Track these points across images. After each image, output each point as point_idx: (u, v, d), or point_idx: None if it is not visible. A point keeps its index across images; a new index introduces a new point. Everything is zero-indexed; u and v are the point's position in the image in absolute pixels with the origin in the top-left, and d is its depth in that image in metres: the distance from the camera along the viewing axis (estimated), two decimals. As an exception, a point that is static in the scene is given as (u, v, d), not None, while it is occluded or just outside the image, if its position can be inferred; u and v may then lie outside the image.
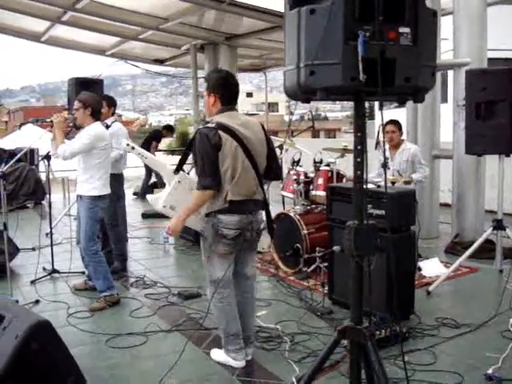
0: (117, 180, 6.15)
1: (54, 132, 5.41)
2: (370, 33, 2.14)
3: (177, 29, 11.59)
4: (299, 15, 2.26)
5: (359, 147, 2.40)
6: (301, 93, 2.34)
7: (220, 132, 3.75)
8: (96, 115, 5.41)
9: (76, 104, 5.37)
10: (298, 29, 2.27)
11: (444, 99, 9.91)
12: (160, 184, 12.51)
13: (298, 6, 2.28)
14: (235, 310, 4.04)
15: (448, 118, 8.11)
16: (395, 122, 6.77)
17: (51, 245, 6.59)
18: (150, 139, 12.83)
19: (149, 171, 12.75)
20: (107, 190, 5.46)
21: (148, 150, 11.97)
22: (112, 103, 6.63)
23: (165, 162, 4.53)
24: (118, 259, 6.53)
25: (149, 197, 4.19)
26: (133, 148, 4.27)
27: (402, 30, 2.20)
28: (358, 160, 2.40)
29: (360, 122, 2.39)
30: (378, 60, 2.13)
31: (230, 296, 4.01)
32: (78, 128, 5.54)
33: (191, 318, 5.02)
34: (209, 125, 3.80)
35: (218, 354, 4.15)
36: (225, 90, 3.93)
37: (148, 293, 5.79)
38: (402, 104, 2.60)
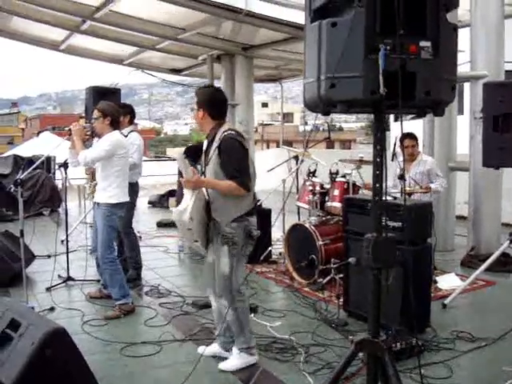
0: (131, 189, 6.18)
1: (73, 140, 5.46)
2: (390, 46, 2.15)
3: (194, 39, 11.65)
4: (320, 28, 2.28)
5: (378, 160, 2.39)
6: (321, 105, 2.35)
7: (243, 139, 4.06)
8: (115, 124, 5.45)
9: (95, 113, 5.41)
10: (318, 41, 2.28)
11: (460, 111, 9.86)
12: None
13: (319, 19, 2.29)
14: None
15: (464, 130, 8.07)
16: (412, 136, 6.76)
17: (67, 252, 6.63)
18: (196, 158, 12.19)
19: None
20: (125, 198, 5.48)
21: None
22: (130, 112, 6.65)
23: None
24: (133, 267, 6.55)
25: (174, 210, 4.14)
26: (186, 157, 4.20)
27: (422, 43, 2.21)
28: (377, 173, 2.40)
29: (379, 134, 2.39)
30: (399, 73, 2.13)
31: None
32: (96, 137, 5.59)
33: (205, 327, 5.01)
34: (231, 132, 4.04)
35: (232, 363, 4.18)
36: (212, 106, 4.15)
37: (162, 302, 5.80)
38: (421, 117, 2.61)
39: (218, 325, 4.41)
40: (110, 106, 5.49)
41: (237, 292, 4.11)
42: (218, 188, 4.01)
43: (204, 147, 4.25)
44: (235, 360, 4.18)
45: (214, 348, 4.39)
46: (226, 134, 4.03)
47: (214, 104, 4.16)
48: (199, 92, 4.28)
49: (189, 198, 3.99)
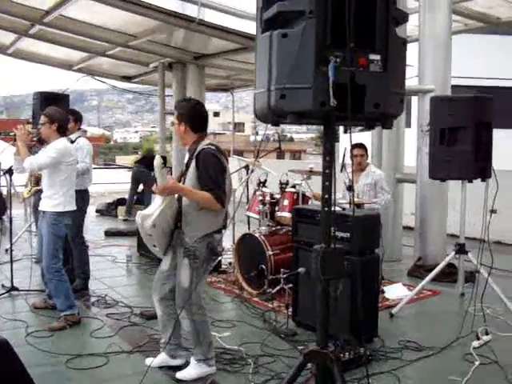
0: (81, 196, 6.07)
1: (17, 146, 5.32)
2: (340, 58, 2.17)
3: (145, 46, 11.57)
4: (271, 39, 2.28)
5: (327, 171, 2.41)
6: (271, 116, 2.35)
7: (222, 158, 4.09)
8: (62, 131, 5.34)
9: (42, 119, 5.30)
10: (269, 52, 2.28)
11: (408, 124, 10.06)
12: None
13: (270, 30, 2.30)
14: None
15: (411, 143, 8.23)
16: (362, 146, 6.86)
17: (11, 261, 6.43)
18: (151, 167, 12.47)
19: (134, 187, 12.55)
20: (72, 207, 5.37)
21: (149, 180, 12.05)
22: (78, 118, 6.57)
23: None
24: (80, 277, 6.42)
25: (139, 213, 4.05)
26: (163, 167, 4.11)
27: (372, 56, 2.24)
28: (327, 183, 2.41)
29: (329, 145, 2.40)
30: (348, 86, 2.15)
31: None
32: (42, 143, 5.47)
33: (153, 338, 4.94)
34: (210, 147, 4.05)
35: (189, 372, 4.15)
36: (194, 119, 4.16)
37: (109, 312, 5.69)
38: (370, 129, 2.64)
39: (163, 333, 4.37)
40: (57, 111, 5.39)
41: (196, 305, 4.10)
42: (194, 197, 3.99)
43: (185, 160, 4.24)
44: (192, 370, 4.16)
45: (161, 357, 4.35)
46: (205, 148, 4.04)
47: (195, 117, 4.16)
48: (180, 106, 4.26)
49: (158, 205, 3.96)
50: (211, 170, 3.98)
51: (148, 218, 3.92)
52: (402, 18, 2.45)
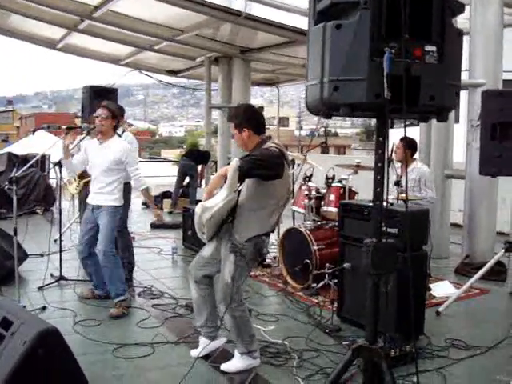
0: (126, 188, 6.16)
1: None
2: (395, 50, 2.13)
3: (192, 41, 11.65)
4: (324, 30, 2.26)
5: (380, 165, 2.37)
6: (324, 108, 2.32)
7: (284, 161, 3.99)
8: (115, 128, 5.51)
9: (105, 112, 5.33)
10: (322, 44, 2.26)
11: (456, 119, 9.88)
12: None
13: (323, 22, 2.27)
14: None
15: (459, 138, 8.06)
16: (403, 140, 6.70)
17: (60, 251, 6.57)
18: (198, 161, 12.85)
19: (180, 180, 12.72)
20: (122, 201, 5.57)
21: (196, 174, 12.28)
22: (123, 113, 6.67)
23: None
24: (126, 267, 6.50)
25: (200, 204, 3.96)
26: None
27: (427, 48, 2.20)
28: (378, 178, 2.38)
29: (382, 139, 2.37)
30: (404, 77, 2.11)
31: None
32: (93, 135, 5.58)
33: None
34: (273, 145, 3.98)
35: (234, 364, 4.18)
36: (254, 120, 4.12)
37: (155, 303, 5.76)
38: (424, 122, 2.60)
39: (197, 316, 4.43)
40: (117, 108, 5.54)
41: (236, 302, 4.09)
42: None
43: None
44: (236, 362, 4.19)
45: (203, 342, 4.39)
46: (269, 146, 3.98)
47: (254, 119, 4.12)
48: (235, 114, 4.16)
49: (221, 199, 3.84)
50: (261, 151, 3.91)
51: (208, 211, 3.86)
52: (458, 8, 2.40)
